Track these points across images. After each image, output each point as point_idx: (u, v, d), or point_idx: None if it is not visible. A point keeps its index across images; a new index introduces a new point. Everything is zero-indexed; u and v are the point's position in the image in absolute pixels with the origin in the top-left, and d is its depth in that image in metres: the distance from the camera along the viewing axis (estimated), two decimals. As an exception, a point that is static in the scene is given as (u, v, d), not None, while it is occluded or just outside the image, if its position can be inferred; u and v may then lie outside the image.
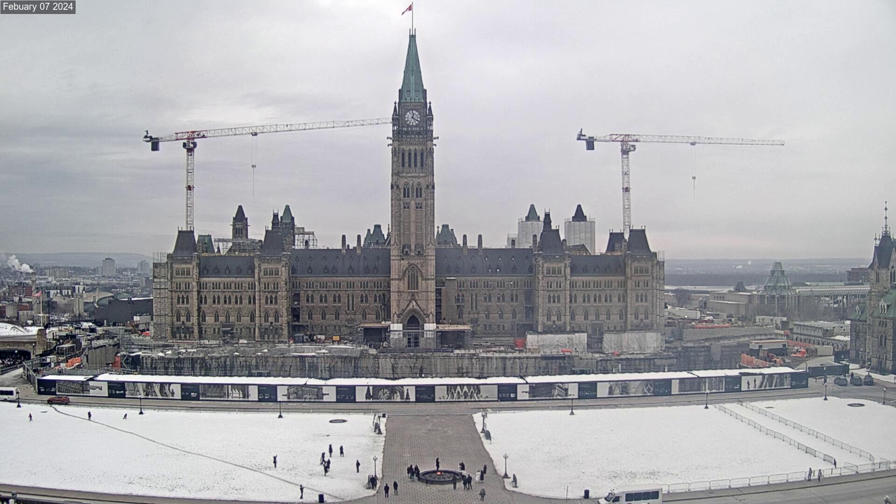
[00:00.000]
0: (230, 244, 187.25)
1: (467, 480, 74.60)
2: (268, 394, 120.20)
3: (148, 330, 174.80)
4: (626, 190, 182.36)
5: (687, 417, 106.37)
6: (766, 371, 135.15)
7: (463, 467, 78.46)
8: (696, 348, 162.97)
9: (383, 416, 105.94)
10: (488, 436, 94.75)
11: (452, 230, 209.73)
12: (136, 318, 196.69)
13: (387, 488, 72.16)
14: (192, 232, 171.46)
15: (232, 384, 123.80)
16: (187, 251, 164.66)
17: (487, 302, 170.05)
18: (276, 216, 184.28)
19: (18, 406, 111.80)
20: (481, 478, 75.74)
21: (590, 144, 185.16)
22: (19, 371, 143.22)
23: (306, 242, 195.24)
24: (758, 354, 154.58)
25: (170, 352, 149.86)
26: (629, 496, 67.11)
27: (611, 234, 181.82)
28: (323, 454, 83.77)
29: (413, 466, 78.53)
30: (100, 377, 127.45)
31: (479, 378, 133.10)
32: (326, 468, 79.46)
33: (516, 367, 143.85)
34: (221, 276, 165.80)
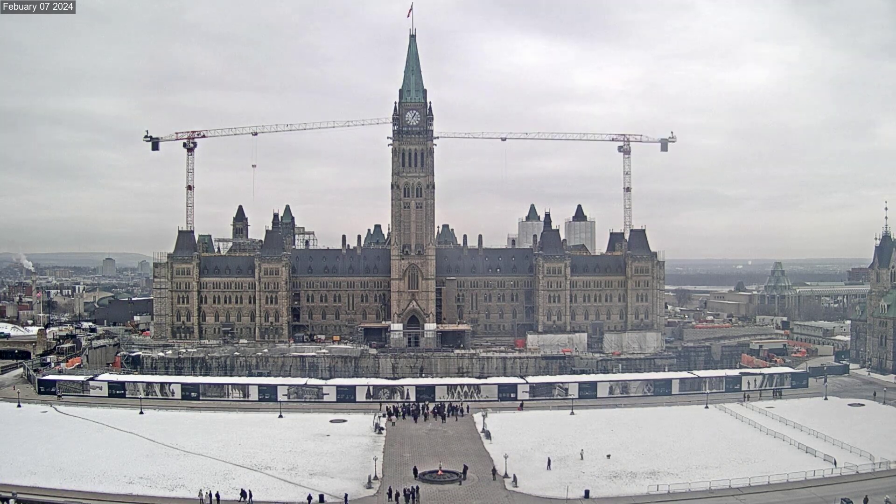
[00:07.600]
0: (230, 244, 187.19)
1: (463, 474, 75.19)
2: (268, 394, 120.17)
3: (148, 330, 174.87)
4: (627, 190, 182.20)
5: (687, 417, 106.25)
6: (766, 371, 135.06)
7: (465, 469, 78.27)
8: (697, 348, 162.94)
9: (384, 415, 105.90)
10: (488, 436, 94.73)
11: (452, 230, 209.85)
12: (136, 318, 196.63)
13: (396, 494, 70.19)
14: (193, 232, 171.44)
15: (232, 384, 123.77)
16: (187, 251, 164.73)
17: (487, 302, 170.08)
18: (276, 216, 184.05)
19: (19, 406, 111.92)
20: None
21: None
22: (19, 371, 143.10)
23: (306, 242, 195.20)
24: (758, 354, 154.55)
25: (170, 352, 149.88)
26: None
27: (611, 233, 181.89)
28: None
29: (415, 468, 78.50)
30: (100, 377, 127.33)
31: (479, 378, 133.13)
32: None
33: (516, 367, 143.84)
34: (221, 276, 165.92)
